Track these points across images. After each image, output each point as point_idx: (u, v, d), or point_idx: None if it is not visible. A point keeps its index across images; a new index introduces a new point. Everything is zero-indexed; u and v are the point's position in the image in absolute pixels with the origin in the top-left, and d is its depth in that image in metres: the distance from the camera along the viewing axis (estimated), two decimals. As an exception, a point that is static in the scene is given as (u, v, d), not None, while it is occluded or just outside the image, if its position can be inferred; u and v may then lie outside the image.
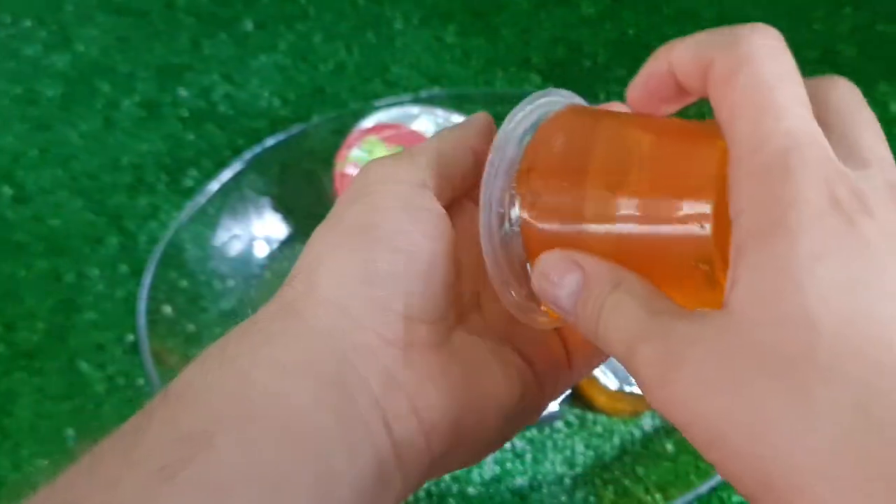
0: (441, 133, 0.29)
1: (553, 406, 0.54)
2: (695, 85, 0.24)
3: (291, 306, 0.26)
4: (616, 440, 0.55)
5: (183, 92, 0.77)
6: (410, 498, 0.53)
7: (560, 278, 0.25)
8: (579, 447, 0.54)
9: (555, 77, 0.78)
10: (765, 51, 0.22)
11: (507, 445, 0.54)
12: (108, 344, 0.59)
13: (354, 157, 0.63)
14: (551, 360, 0.29)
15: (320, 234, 0.27)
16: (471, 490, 0.53)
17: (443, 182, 0.28)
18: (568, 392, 0.54)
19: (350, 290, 0.25)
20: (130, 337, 0.59)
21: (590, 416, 0.56)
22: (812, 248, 0.20)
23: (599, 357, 0.31)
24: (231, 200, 0.64)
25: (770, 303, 0.21)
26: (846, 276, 0.20)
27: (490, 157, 0.26)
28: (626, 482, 0.53)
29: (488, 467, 0.53)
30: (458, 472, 0.53)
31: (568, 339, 0.30)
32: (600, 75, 0.79)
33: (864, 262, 0.20)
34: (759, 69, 0.22)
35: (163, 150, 0.72)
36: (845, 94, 0.24)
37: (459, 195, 0.29)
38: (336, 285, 0.25)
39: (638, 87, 0.26)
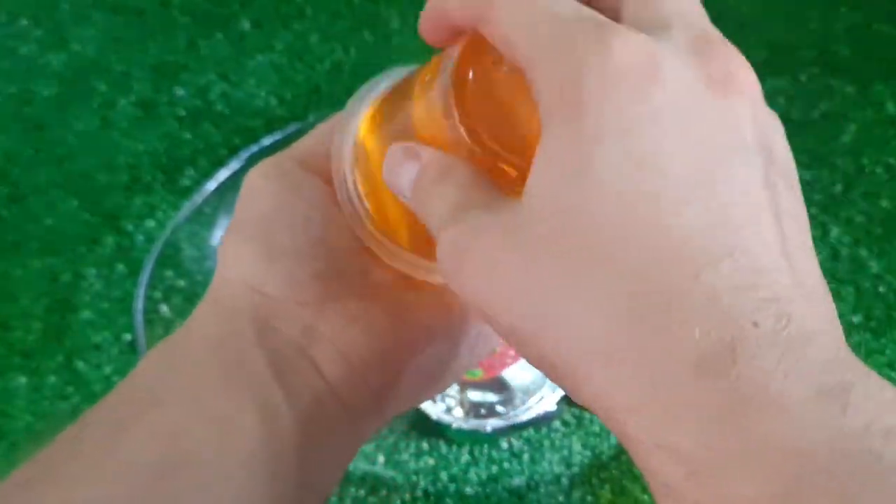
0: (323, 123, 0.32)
1: (550, 405, 0.54)
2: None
3: (215, 299, 0.29)
4: (613, 439, 0.55)
5: (179, 91, 0.77)
6: (408, 498, 0.53)
7: (401, 167, 0.26)
8: (576, 446, 0.54)
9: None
10: None
11: (505, 445, 0.54)
12: (105, 343, 0.59)
13: (351, 157, 0.63)
14: None
15: (224, 238, 0.29)
16: (468, 490, 0.53)
17: (324, 159, 0.30)
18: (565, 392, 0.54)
19: (259, 273, 0.28)
20: (127, 336, 0.59)
21: (587, 415, 0.56)
22: (595, 129, 0.20)
23: None
24: (228, 199, 0.64)
25: (554, 192, 0.20)
26: (628, 157, 0.20)
27: (334, 138, 0.29)
28: (624, 481, 0.53)
29: (485, 467, 0.53)
30: (455, 471, 0.53)
31: None
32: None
33: (647, 140, 0.20)
34: None
35: (159, 149, 0.72)
36: None
37: None
38: (247, 273, 0.28)
39: (428, 34, 0.26)
